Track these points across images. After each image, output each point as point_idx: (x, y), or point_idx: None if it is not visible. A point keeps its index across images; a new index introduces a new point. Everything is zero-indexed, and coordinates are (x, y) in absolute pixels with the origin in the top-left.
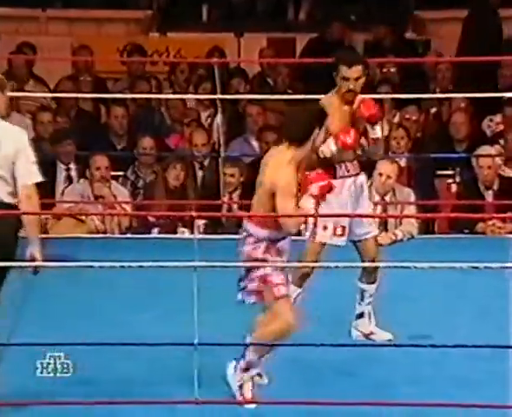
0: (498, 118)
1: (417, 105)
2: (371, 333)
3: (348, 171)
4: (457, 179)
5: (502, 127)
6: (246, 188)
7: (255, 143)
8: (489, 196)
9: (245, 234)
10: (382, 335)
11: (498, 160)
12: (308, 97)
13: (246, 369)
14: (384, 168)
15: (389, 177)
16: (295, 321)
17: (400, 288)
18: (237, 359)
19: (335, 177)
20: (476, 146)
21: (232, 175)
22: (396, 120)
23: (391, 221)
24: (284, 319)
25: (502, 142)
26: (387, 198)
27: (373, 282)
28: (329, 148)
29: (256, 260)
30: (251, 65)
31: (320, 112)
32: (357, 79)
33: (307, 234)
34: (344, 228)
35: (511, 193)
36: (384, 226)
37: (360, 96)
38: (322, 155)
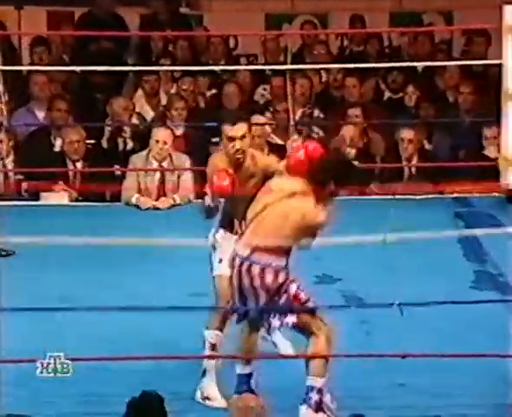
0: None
1: (192, 77)
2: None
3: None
4: None
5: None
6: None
7: (39, 113)
8: None
9: (257, 266)
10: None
11: (268, 128)
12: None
13: (320, 401)
14: (160, 134)
15: (165, 143)
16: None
17: None
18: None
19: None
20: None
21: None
22: (173, 91)
23: (169, 185)
24: (327, 328)
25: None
26: (164, 164)
27: None
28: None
29: (279, 288)
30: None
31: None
32: (242, 137)
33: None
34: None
35: (279, 159)
36: (162, 191)
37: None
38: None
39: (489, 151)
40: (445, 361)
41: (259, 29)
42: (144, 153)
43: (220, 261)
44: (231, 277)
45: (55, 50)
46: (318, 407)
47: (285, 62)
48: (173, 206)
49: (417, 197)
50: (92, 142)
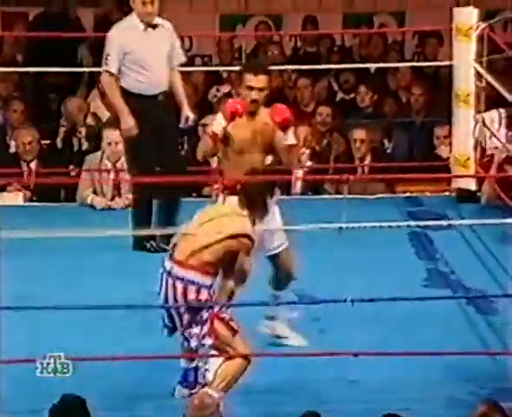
0: (225, 88)
1: None
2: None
3: None
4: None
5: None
6: None
7: None
8: (213, 162)
9: (179, 281)
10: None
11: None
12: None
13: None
14: (111, 136)
15: (117, 144)
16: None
17: None
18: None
19: None
20: (204, 115)
21: None
22: None
23: (124, 186)
24: (243, 353)
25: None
26: (119, 164)
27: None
28: (219, 122)
29: (200, 303)
30: None
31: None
32: (261, 89)
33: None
34: None
35: None
36: (117, 191)
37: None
38: (212, 133)
39: (441, 151)
40: (395, 358)
41: (213, 29)
42: (99, 153)
43: None
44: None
45: (8, 50)
46: (194, 384)
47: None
48: (129, 206)
49: (370, 197)
50: (47, 142)
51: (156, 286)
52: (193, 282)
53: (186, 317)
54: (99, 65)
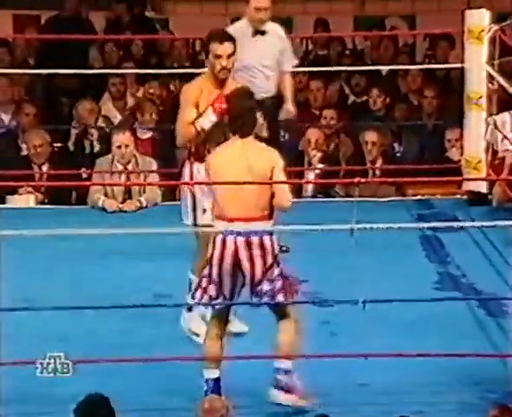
0: None
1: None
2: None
3: None
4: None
5: None
6: None
7: (4, 117)
8: None
9: (255, 237)
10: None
11: None
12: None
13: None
14: (120, 139)
15: (127, 146)
16: None
17: None
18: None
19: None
20: None
21: None
22: (140, 94)
23: (135, 188)
24: (298, 315)
25: None
26: (129, 167)
27: None
28: (208, 118)
29: (275, 258)
30: None
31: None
32: (229, 56)
33: (187, 219)
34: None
35: None
36: (128, 193)
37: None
38: (200, 128)
39: (452, 154)
40: (407, 360)
41: None
42: (110, 156)
43: (205, 211)
44: (219, 257)
45: (20, 53)
46: (288, 388)
47: None
48: (140, 208)
49: (381, 199)
50: (59, 145)
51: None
52: (265, 233)
53: (258, 272)
54: (109, 68)
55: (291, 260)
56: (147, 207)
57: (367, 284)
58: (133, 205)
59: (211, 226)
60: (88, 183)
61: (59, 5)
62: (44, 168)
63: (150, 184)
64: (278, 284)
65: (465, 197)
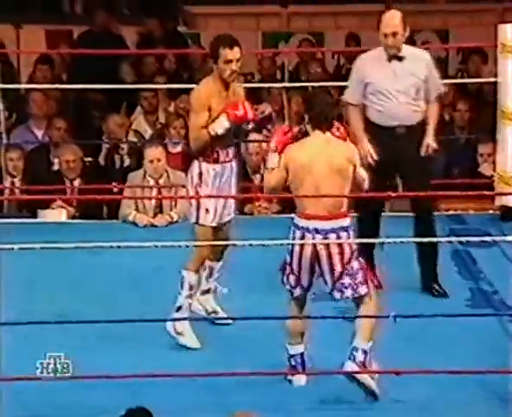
0: (263, 107)
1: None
2: (214, 312)
3: (228, 156)
4: None
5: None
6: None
7: (37, 132)
8: (256, 179)
9: (332, 234)
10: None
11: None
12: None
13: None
14: (152, 154)
15: (159, 161)
16: None
17: None
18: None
19: (217, 162)
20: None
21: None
22: (171, 109)
23: (167, 203)
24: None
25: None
26: (161, 181)
27: (220, 260)
28: (222, 124)
29: (353, 253)
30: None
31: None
32: (238, 60)
33: (191, 218)
34: (216, 210)
35: None
36: (159, 208)
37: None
38: (213, 133)
39: (484, 169)
40: (437, 377)
41: (255, 47)
42: (142, 171)
43: (207, 211)
44: (299, 254)
45: (56, 69)
46: (363, 366)
47: (282, 80)
48: (171, 223)
49: (412, 214)
50: (90, 159)
51: None
52: (343, 229)
53: (338, 268)
54: (141, 82)
55: None
56: (177, 221)
57: (397, 298)
58: (164, 219)
59: (214, 228)
60: (118, 197)
61: (90, 21)
62: (76, 183)
63: (181, 197)
64: (359, 277)
65: (498, 212)
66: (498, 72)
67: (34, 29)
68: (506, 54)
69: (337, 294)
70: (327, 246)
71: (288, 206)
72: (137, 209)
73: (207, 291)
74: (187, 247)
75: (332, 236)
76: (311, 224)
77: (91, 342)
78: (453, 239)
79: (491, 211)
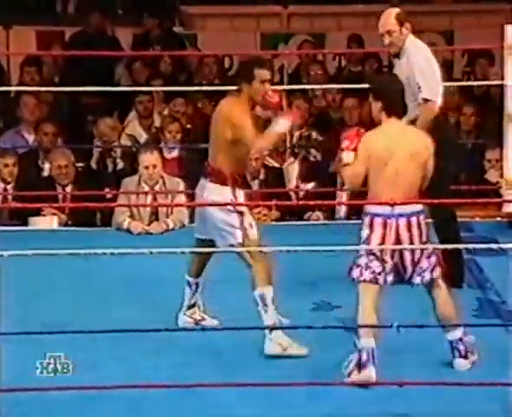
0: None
1: (184, 98)
2: (202, 319)
3: None
4: None
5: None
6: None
7: (28, 136)
8: (254, 186)
9: (413, 218)
10: (210, 322)
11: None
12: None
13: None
14: (148, 160)
15: (154, 167)
16: None
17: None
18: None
19: None
20: None
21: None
22: (166, 112)
23: (162, 210)
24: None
25: None
26: (157, 188)
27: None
28: (283, 123)
29: (428, 236)
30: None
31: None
32: (269, 80)
33: (235, 238)
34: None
35: (275, 182)
36: (155, 215)
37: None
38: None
39: (490, 175)
40: (444, 390)
41: (254, 48)
42: (136, 177)
43: (251, 225)
44: (381, 239)
45: (47, 71)
46: (466, 353)
47: (281, 83)
48: (167, 230)
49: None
50: (82, 164)
51: None
52: (422, 212)
53: (417, 251)
54: (136, 85)
55: (322, 285)
56: (173, 229)
57: (404, 308)
58: (159, 227)
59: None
60: (112, 204)
61: (83, 21)
62: (68, 189)
63: (177, 205)
64: (434, 259)
65: (505, 220)
66: (505, 75)
67: (24, 30)
68: None
69: (417, 279)
70: (409, 229)
71: (287, 213)
72: (132, 216)
73: (193, 305)
74: (183, 253)
75: (414, 220)
76: (394, 209)
77: (85, 350)
78: (460, 246)
79: (498, 218)
